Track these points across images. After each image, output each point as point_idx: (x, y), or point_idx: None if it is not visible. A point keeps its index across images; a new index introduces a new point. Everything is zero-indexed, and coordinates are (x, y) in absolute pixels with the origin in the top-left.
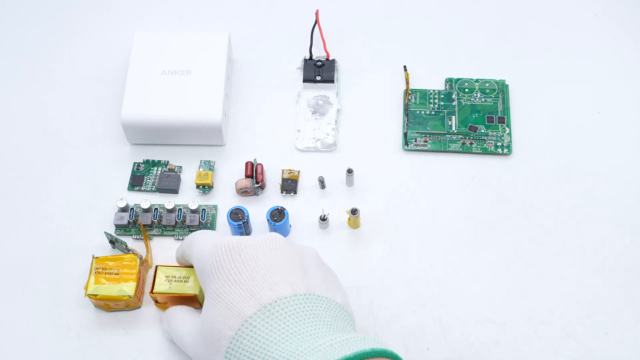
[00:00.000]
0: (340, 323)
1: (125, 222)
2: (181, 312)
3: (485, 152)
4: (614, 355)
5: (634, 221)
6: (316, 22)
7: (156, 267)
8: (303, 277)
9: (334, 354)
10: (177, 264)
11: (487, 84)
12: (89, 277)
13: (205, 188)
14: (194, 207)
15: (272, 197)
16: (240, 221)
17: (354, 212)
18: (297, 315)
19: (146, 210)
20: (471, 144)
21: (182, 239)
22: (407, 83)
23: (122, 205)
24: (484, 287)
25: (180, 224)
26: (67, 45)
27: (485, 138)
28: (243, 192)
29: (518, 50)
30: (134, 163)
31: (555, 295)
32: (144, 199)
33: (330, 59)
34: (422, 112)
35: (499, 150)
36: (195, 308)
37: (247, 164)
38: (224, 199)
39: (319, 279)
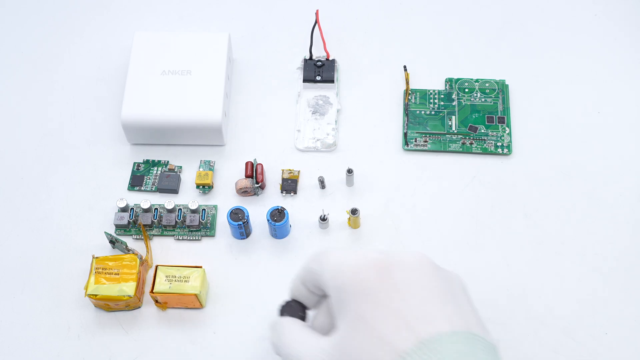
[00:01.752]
0: None
1: (125, 222)
2: (297, 329)
3: (485, 152)
4: (614, 355)
5: (634, 221)
6: (316, 22)
7: (156, 267)
8: (458, 310)
9: None
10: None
11: (487, 84)
12: (89, 277)
13: (205, 188)
14: (194, 207)
15: (272, 197)
16: (240, 221)
17: (354, 212)
18: (458, 358)
19: (146, 210)
20: (471, 144)
21: (182, 239)
22: (407, 83)
23: (122, 205)
24: (484, 287)
25: (180, 224)
26: (67, 45)
27: (485, 138)
28: (243, 192)
29: (518, 50)
30: (134, 163)
31: (555, 295)
32: (144, 199)
33: (330, 59)
34: (422, 112)
35: (499, 150)
36: (195, 308)
37: (247, 164)
38: (224, 199)
39: (472, 314)
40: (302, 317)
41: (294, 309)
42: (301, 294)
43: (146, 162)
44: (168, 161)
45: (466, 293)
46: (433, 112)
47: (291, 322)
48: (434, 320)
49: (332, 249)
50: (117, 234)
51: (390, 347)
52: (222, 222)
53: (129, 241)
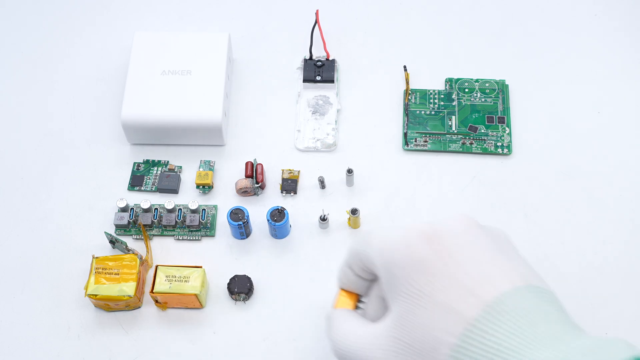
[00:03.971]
0: (565, 317)
1: (125, 222)
2: (349, 320)
3: (485, 152)
4: None
5: (634, 221)
6: (316, 22)
7: (156, 267)
8: (513, 265)
9: None
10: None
11: (487, 84)
12: (89, 277)
13: (205, 188)
14: (194, 207)
15: (272, 197)
16: (240, 221)
17: (354, 212)
18: (527, 314)
19: (146, 210)
20: (471, 144)
21: (182, 239)
22: (407, 83)
23: (122, 205)
24: None
25: (180, 224)
26: (67, 45)
27: (485, 138)
28: (243, 192)
29: (518, 50)
30: (134, 163)
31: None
32: (144, 199)
33: (330, 59)
34: (422, 112)
35: (499, 150)
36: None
37: (247, 164)
38: (224, 199)
39: (525, 266)
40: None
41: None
42: (350, 280)
43: (146, 162)
44: (168, 161)
45: (513, 246)
46: (433, 112)
47: (343, 314)
48: (494, 281)
49: (374, 229)
50: (117, 234)
51: (458, 316)
52: (222, 222)
53: (129, 241)
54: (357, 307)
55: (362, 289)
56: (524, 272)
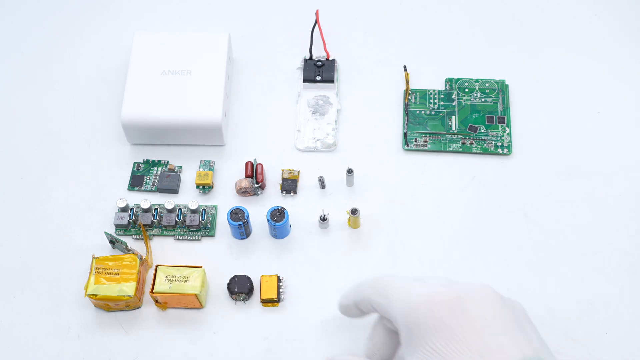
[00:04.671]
0: None
1: (125, 222)
2: None
3: (485, 152)
4: (614, 355)
5: (634, 221)
6: (316, 22)
7: (156, 267)
8: (526, 338)
9: None
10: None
11: (487, 84)
12: (89, 277)
13: (205, 188)
14: (194, 207)
15: (272, 197)
16: (240, 221)
17: (354, 212)
18: None
19: (146, 210)
20: (471, 144)
21: (182, 239)
22: (407, 83)
23: (122, 205)
24: None
25: (180, 224)
26: (67, 45)
27: (485, 138)
28: (243, 192)
29: (518, 50)
30: (134, 163)
31: (555, 295)
32: (144, 199)
33: (330, 59)
34: (422, 112)
35: (499, 150)
36: (194, 307)
37: (247, 164)
38: (224, 199)
39: (538, 339)
40: None
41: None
42: (353, 313)
43: (146, 162)
44: (168, 161)
45: (529, 319)
46: (433, 112)
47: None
48: (505, 350)
49: (392, 279)
50: (117, 234)
51: None
52: (222, 222)
53: (129, 241)
54: None
55: (365, 315)
56: (535, 346)
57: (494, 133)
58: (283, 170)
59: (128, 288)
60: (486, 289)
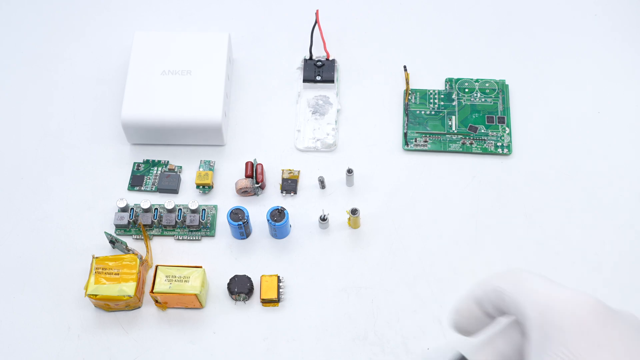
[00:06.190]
0: None
1: (125, 222)
2: None
3: (485, 152)
4: None
5: (634, 221)
6: (316, 22)
7: (156, 267)
8: None
9: None
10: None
11: (487, 84)
12: (89, 277)
13: (205, 188)
14: (194, 207)
15: (272, 197)
16: (240, 221)
17: (354, 212)
18: None
19: (146, 210)
20: (471, 144)
21: (182, 239)
22: (407, 83)
23: (122, 205)
24: None
25: (180, 224)
26: (67, 45)
27: (485, 138)
28: (243, 192)
29: (518, 50)
30: (134, 163)
31: None
32: (144, 199)
33: (330, 59)
34: (422, 112)
35: (499, 150)
36: (195, 308)
37: (247, 164)
38: (224, 199)
39: None
40: None
41: None
42: (471, 316)
43: (146, 162)
44: (168, 161)
45: None
46: (433, 112)
47: None
48: None
49: (528, 274)
50: (117, 234)
51: None
52: (222, 222)
53: (129, 241)
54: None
55: (479, 328)
56: None
57: (494, 133)
58: (283, 170)
59: (128, 288)
60: (635, 318)
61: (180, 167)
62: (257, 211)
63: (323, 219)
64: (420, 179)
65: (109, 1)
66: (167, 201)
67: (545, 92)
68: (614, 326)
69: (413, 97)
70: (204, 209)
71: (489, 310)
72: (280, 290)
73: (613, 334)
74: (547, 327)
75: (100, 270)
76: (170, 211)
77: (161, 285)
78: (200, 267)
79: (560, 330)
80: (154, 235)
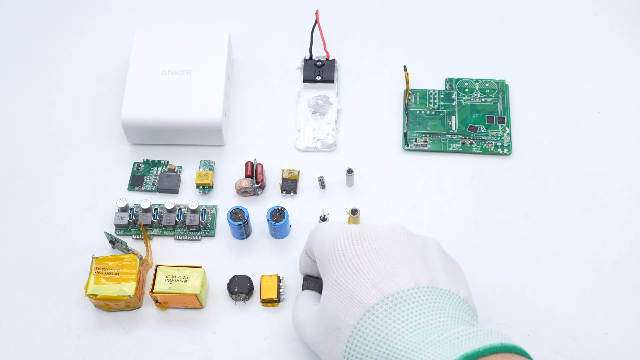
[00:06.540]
0: (464, 316)
1: (125, 222)
2: (304, 298)
3: (485, 152)
4: (614, 355)
5: (634, 221)
6: (316, 22)
7: (156, 267)
8: (425, 269)
9: (461, 347)
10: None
11: (487, 84)
12: (89, 277)
13: (205, 188)
14: (194, 207)
15: (272, 197)
16: (240, 221)
17: (354, 212)
18: (420, 307)
19: (146, 210)
20: (471, 144)
21: (182, 239)
22: (407, 83)
23: (122, 205)
24: (484, 287)
25: (180, 224)
26: (67, 45)
27: (485, 138)
28: (243, 192)
29: (518, 50)
30: (134, 163)
31: (555, 295)
32: (144, 199)
33: (330, 59)
34: (422, 112)
35: (499, 150)
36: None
37: (247, 164)
38: (224, 199)
39: (442, 272)
40: (318, 289)
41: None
42: (306, 264)
43: (146, 162)
44: (168, 161)
45: (442, 256)
46: (433, 112)
47: (303, 295)
48: (397, 278)
49: (324, 223)
50: (117, 234)
51: (359, 302)
52: (222, 222)
53: (129, 241)
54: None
55: (313, 268)
56: (434, 276)
57: (494, 133)
58: (283, 170)
59: (128, 288)
60: (394, 226)
61: (180, 167)
62: (257, 211)
63: (323, 219)
64: (420, 179)
65: (109, 1)
66: (167, 201)
67: (545, 92)
68: (363, 248)
69: (413, 97)
70: (204, 209)
71: (313, 258)
72: (281, 290)
73: (359, 254)
74: (322, 259)
75: (100, 270)
76: (170, 211)
77: (161, 285)
78: (200, 267)
79: (327, 261)
80: (154, 235)
